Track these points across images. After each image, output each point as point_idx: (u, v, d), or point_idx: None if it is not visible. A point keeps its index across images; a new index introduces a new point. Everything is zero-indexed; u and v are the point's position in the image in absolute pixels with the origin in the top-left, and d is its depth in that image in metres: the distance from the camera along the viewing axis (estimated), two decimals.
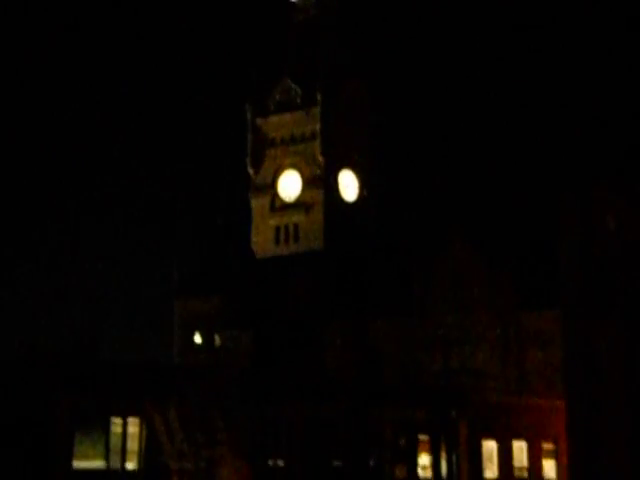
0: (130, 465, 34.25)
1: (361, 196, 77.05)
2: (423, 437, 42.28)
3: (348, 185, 76.90)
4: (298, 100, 76.77)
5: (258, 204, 77.43)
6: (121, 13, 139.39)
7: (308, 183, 75.66)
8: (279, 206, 76.70)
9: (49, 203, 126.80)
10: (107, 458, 33.40)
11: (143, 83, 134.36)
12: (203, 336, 67.32)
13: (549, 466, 46.58)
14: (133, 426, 34.47)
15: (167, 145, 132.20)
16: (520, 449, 45.28)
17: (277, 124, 77.19)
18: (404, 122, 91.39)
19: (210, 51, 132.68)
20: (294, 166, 76.49)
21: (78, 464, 32.58)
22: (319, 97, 75.14)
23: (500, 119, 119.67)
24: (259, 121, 77.66)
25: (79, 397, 32.59)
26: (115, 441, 33.97)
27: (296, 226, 75.81)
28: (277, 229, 76.54)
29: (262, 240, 76.37)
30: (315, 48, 77.37)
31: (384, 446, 40.70)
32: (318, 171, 75.43)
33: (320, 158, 75.19)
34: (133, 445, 34.32)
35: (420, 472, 42.21)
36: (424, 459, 42.47)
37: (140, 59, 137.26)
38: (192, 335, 68.36)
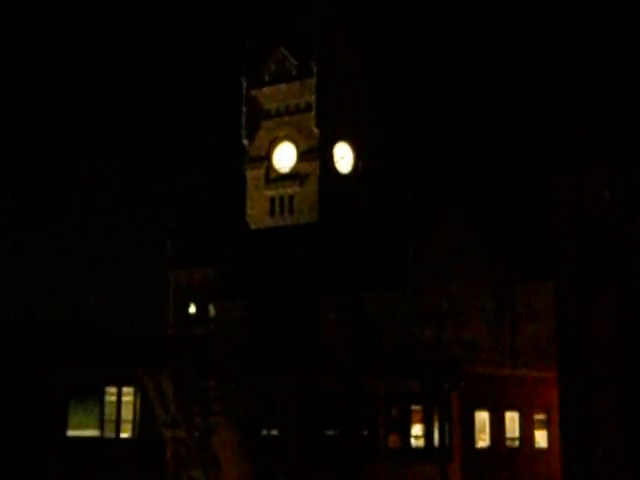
0: (125, 434, 34.47)
1: (356, 168, 76.96)
2: (416, 407, 42.61)
3: (343, 157, 76.80)
4: (293, 71, 76.48)
5: (253, 175, 77.37)
6: None
7: (303, 155, 75.54)
8: (274, 178, 76.64)
9: (44, 175, 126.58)
10: (102, 427, 33.61)
11: (137, 55, 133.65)
12: (197, 307, 67.55)
13: (541, 436, 47.04)
14: (127, 396, 34.65)
15: (162, 117, 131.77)
16: (512, 419, 45.68)
17: (272, 95, 76.93)
18: (400, 93, 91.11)
19: (204, 22, 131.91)
20: (289, 137, 76.33)
21: (73, 433, 32.78)
22: (314, 68, 74.82)
23: (496, 90, 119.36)
24: (254, 92, 77.38)
25: (74, 367, 32.72)
26: (110, 410, 34.15)
27: (291, 198, 75.80)
28: (272, 200, 76.53)
29: (257, 211, 76.39)
30: (310, 18, 76.95)
31: (377, 416, 41.00)
32: (313, 143, 75.30)
33: (315, 130, 75.00)
34: (127, 414, 34.51)
35: (413, 442, 42.59)
36: (417, 429, 42.83)
37: (133, 30, 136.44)
38: (186, 306, 68.59)
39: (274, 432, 37.57)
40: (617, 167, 41.73)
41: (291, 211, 75.42)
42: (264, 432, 37.10)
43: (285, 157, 76.43)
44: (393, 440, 41.73)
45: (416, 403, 42.39)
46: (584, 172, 42.42)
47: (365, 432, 40.67)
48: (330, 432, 39.32)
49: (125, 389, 34.42)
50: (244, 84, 77.71)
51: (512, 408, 45.54)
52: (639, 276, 41.66)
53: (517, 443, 45.91)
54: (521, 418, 45.95)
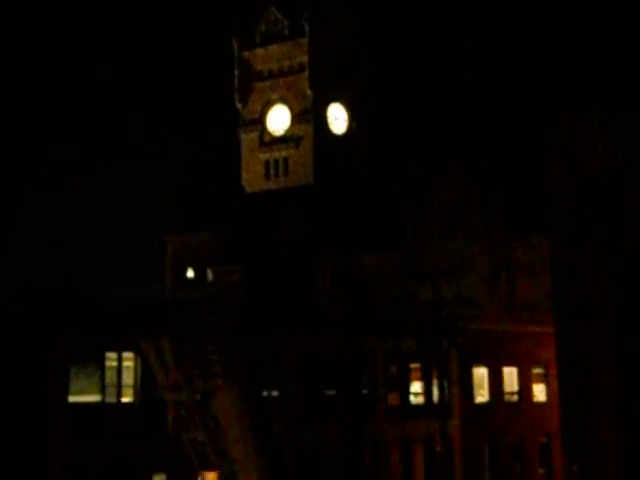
0: (126, 399, 34.74)
1: (351, 129, 76.65)
2: (415, 365, 42.96)
3: (337, 118, 76.46)
4: (285, 31, 75.85)
5: (247, 139, 77.07)
6: None
7: (297, 117, 75.21)
8: (268, 140, 76.35)
9: (39, 139, 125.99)
10: (103, 392, 33.85)
11: (128, 18, 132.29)
12: (195, 271, 67.67)
13: (539, 390, 47.46)
14: (128, 360, 34.87)
15: (154, 80, 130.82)
16: (510, 374, 46.08)
17: (264, 56, 76.36)
18: (392, 52, 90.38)
19: None
20: (282, 100, 75.94)
21: (74, 399, 33.02)
22: (306, 28, 74.22)
23: (490, 46, 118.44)
24: (246, 54, 76.81)
25: (73, 333, 32.88)
26: (110, 375, 34.39)
27: (286, 160, 75.59)
28: (267, 164, 76.33)
29: (252, 175, 76.23)
30: None
31: (376, 375, 41.33)
32: (307, 104, 74.92)
33: (309, 91, 74.60)
34: (128, 379, 34.76)
35: (412, 399, 42.99)
36: (416, 386, 43.21)
37: None
38: (184, 271, 68.70)
39: (274, 393, 37.90)
40: (611, 119, 41.55)
41: (286, 174, 75.27)
42: (264, 393, 37.43)
43: (279, 119, 76.09)
44: (392, 398, 42.12)
45: (414, 361, 42.75)
46: (578, 124, 42.26)
47: (365, 391, 41.05)
48: (330, 392, 39.67)
49: (125, 354, 34.65)
50: (235, 46, 77.09)
51: (510, 363, 45.90)
52: (634, 229, 41.73)
53: (516, 398, 46.34)
54: (519, 373, 46.35)
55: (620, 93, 43.22)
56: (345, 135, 76.34)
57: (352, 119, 76.77)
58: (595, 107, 42.62)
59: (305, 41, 74.35)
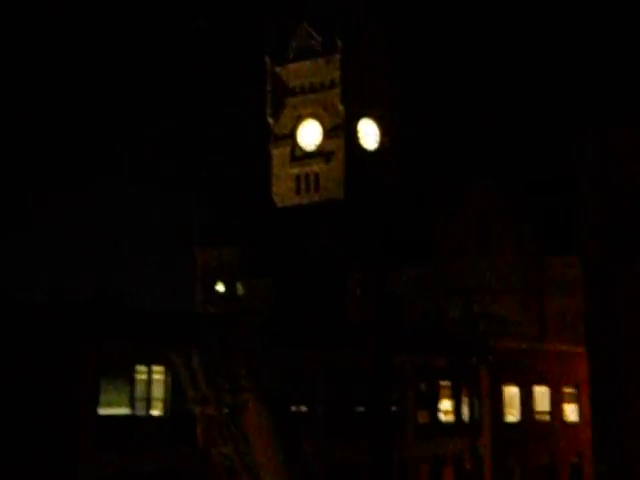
0: (155, 412, 34.76)
1: (381, 144, 76.62)
2: (444, 383, 42.60)
3: (368, 133, 76.46)
4: (317, 47, 76.08)
5: (278, 153, 77.27)
6: None
7: (328, 132, 75.29)
8: (299, 155, 76.49)
9: (74, 153, 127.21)
10: (132, 405, 33.89)
11: (161, 33, 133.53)
12: (225, 285, 67.80)
13: (571, 410, 46.91)
14: (158, 374, 34.90)
15: (187, 96, 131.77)
16: (542, 394, 45.59)
17: (296, 72, 76.62)
18: (424, 68, 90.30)
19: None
20: (314, 115, 76.09)
21: (104, 411, 33.08)
22: (339, 44, 74.39)
23: (522, 60, 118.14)
24: (278, 69, 77.11)
25: (104, 345, 32.97)
26: (140, 389, 34.43)
27: (316, 175, 75.67)
28: (297, 178, 76.45)
29: (283, 189, 76.36)
30: None
31: (406, 392, 41.04)
32: (338, 120, 75.00)
33: (340, 106, 74.70)
34: (158, 392, 34.78)
35: (442, 417, 42.62)
36: (446, 404, 42.84)
37: (156, 7, 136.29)
38: (214, 284, 68.85)
39: (303, 408, 37.76)
40: None
41: (317, 188, 75.33)
42: (293, 408, 37.30)
43: (310, 135, 76.25)
44: (422, 415, 41.79)
45: (444, 378, 42.39)
46: (608, 139, 41.86)
47: (394, 408, 40.76)
48: (359, 408, 39.45)
49: (155, 367, 34.68)
50: (268, 62, 77.44)
51: (541, 382, 45.41)
52: None
53: (547, 417, 45.82)
54: (551, 392, 45.84)
55: None
56: (376, 150, 76.31)
57: (383, 134, 76.74)
58: (625, 121, 42.16)
59: (337, 57, 74.55)
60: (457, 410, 42.57)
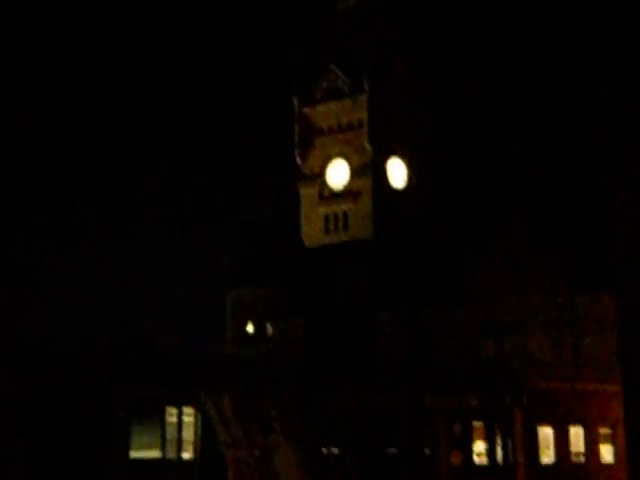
0: (186, 455, 34.61)
1: (410, 183, 76.66)
2: (478, 424, 42.07)
3: (396, 173, 76.56)
4: (345, 88, 76.54)
5: (307, 193, 77.51)
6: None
7: (356, 171, 75.49)
8: (328, 195, 76.66)
9: (97, 193, 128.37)
10: (163, 448, 33.79)
11: (193, 70, 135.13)
12: (255, 326, 67.71)
13: (606, 451, 46.08)
14: (188, 416, 34.84)
15: (217, 135, 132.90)
16: (577, 435, 44.83)
17: (324, 113, 77.06)
18: (452, 108, 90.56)
19: (257, 40, 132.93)
20: (342, 154, 76.36)
21: (135, 454, 33.00)
22: (366, 85, 74.85)
23: (553, 98, 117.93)
24: (306, 110, 77.63)
25: (134, 388, 32.98)
26: (171, 431, 34.35)
27: (345, 214, 75.75)
28: (326, 218, 76.53)
29: (312, 229, 76.45)
30: (361, 35, 76.99)
31: (438, 433, 40.56)
32: (366, 159, 75.21)
33: (368, 146, 74.95)
34: (189, 435, 34.70)
35: (476, 459, 42.03)
36: (479, 446, 42.27)
37: (188, 44, 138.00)
38: (244, 325, 68.78)
39: (335, 450, 37.41)
40: None
41: (346, 228, 75.35)
42: (325, 450, 36.96)
43: (338, 174, 76.48)
44: (455, 457, 41.24)
45: (478, 419, 41.87)
46: None
47: (427, 450, 40.27)
48: (391, 450, 39.02)
49: (185, 409, 34.62)
50: (296, 102, 78.05)
51: (576, 422, 44.69)
52: None
53: (582, 458, 45.03)
54: (586, 433, 45.09)
55: None
56: (404, 189, 76.32)
57: (411, 173, 76.81)
58: None
59: (364, 98, 74.92)
60: (491, 452, 41.97)
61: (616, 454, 45.65)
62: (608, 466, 45.66)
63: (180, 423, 34.61)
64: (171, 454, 34.05)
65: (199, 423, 34.45)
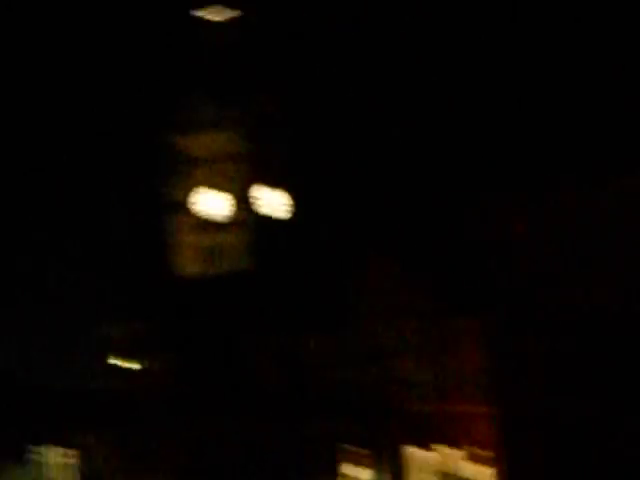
0: None
1: (288, 213, 77.04)
2: (352, 448, 42.52)
3: (274, 202, 76.80)
4: (217, 118, 76.48)
5: (180, 224, 76.72)
6: None
7: (232, 202, 75.31)
8: (202, 226, 76.12)
9: None
10: None
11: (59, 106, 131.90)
12: (126, 360, 66.43)
13: (479, 471, 47.01)
14: (56, 456, 33.96)
15: (82, 165, 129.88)
16: (448, 455, 45.71)
17: (196, 143, 76.71)
18: (321, 136, 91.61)
19: (124, 66, 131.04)
20: (216, 185, 76.12)
21: None
22: (238, 115, 74.99)
23: (414, 125, 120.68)
24: (177, 139, 77.04)
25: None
26: (40, 472, 33.40)
27: (221, 245, 75.33)
28: (201, 249, 75.95)
29: (185, 260, 75.70)
30: (232, 66, 77.27)
31: (311, 461, 40.78)
32: (241, 189, 75.17)
33: (243, 176, 74.97)
34: (64, 475, 33.82)
35: None
36: (353, 471, 42.68)
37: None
38: (114, 360, 67.37)
39: None
40: (532, 200, 42.47)
41: (222, 258, 74.97)
42: None
43: (214, 205, 76.18)
44: None
45: (350, 443, 42.23)
46: (496, 204, 43.07)
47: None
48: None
49: (53, 448, 33.73)
50: (167, 132, 77.33)
51: (448, 443, 45.52)
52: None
53: None
54: (456, 453, 45.90)
55: (538, 171, 44.15)
56: (282, 219, 76.66)
57: (289, 203, 77.25)
58: (513, 186, 43.51)
59: (239, 129, 75.03)
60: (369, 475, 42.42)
61: (492, 475, 46.60)
62: None
63: (47, 464, 33.70)
64: None
65: (72, 464, 33.61)
